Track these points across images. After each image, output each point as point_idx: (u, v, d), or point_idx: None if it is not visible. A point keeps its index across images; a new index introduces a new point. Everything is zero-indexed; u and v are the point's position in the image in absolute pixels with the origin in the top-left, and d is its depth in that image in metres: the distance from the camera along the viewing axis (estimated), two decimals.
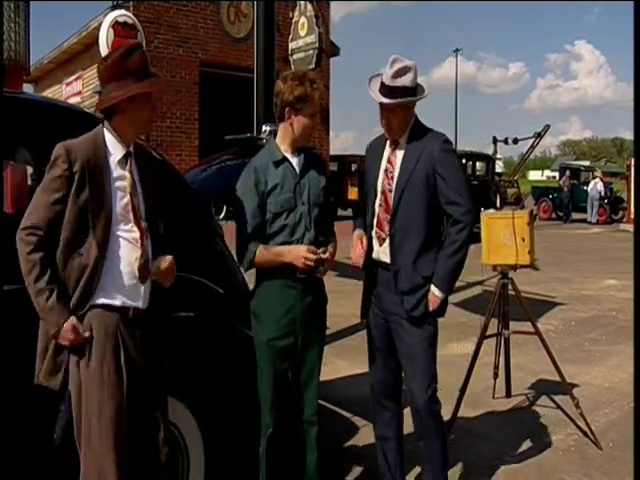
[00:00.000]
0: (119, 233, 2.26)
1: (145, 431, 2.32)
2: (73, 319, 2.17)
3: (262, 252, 2.75)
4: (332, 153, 20.10)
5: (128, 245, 2.27)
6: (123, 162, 2.32)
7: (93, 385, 2.18)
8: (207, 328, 2.82)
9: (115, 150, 2.31)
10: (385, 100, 2.82)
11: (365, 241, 2.92)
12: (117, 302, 2.26)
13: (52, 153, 2.21)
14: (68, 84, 18.49)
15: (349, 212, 21.54)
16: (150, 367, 2.33)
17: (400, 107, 2.84)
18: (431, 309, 2.84)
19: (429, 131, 2.92)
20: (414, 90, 2.84)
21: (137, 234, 2.29)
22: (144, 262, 2.28)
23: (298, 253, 2.71)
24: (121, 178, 2.30)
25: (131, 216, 2.29)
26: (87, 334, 2.18)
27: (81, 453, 2.22)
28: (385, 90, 2.82)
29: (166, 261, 2.32)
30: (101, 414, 2.17)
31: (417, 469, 3.35)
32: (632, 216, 18.97)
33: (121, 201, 2.28)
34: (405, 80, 2.80)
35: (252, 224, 2.77)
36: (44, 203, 2.18)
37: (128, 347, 2.26)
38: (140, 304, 2.31)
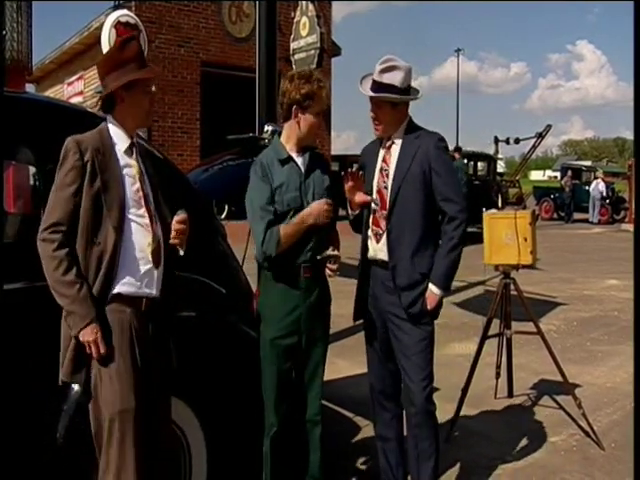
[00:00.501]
0: (131, 217, 2.29)
1: (149, 429, 2.32)
2: (97, 326, 2.18)
3: (285, 228, 2.72)
4: (333, 153, 20.10)
5: (140, 230, 2.30)
6: (129, 152, 2.36)
7: (111, 380, 2.19)
8: (209, 328, 2.82)
9: (120, 140, 2.35)
10: (369, 93, 2.86)
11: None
12: (132, 289, 2.28)
13: (62, 148, 2.23)
14: (69, 84, 18.50)
15: None
16: (158, 363, 2.35)
17: (386, 104, 2.86)
18: (429, 307, 2.84)
19: (424, 130, 2.95)
20: (405, 91, 2.86)
21: (147, 219, 2.32)
22: (156, 247, 2.31)
23: (318, 210, 2.73)
24: (128, 166, 2.34)
25: (142, 201, 2.32)
26: (102, 349, 2.19)
27: (101, 450, 2.23)
28: (373, 86, 2.85)
29: (180, 216, 2.34)
30: (122, 410, 2.19)
31: None
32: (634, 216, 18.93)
33: (131, 187, 2.31)
34: (393, 78, 2.81)
35: (268, 212, 2.74)
36: (62, 198, 2.20)
37: (142, 342, 2.28)
38: (154, 291, 2.33)
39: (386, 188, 2.91)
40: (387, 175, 2.92)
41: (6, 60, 3.42)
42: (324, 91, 2.80)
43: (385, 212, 2.90)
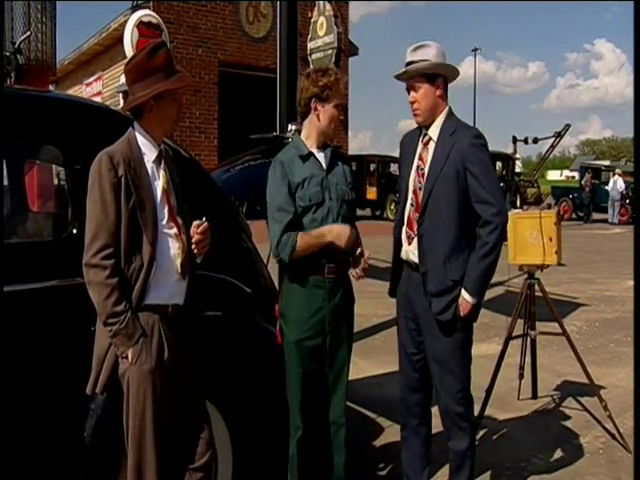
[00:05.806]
0: (163, 230, 2.28)
1: (186, 432, 2.34)
2: (141, 342, 2.20)
3: (302, 237, 2.68)
4: (350, 153, 20.10)
5: (170, 242, 2.30)
6: (157, 162, 2.34)
7: (139, 381, 2.19)
8: (235, 327, 2.80)
9: (148, 150, 2.33)
10: (399, 71, 2.76)
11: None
12: (160, 300, 2.27)
13: (94, 162, 2.21)
14: (88, 85, 18.66)
15: (367, 212, 21.56)
16: (189, 367, 2.35)
17: (422, 80, 2.74)
18: (462, 314, 2.70)
19: (461, 125, 2.79)
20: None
21: (175, 230, 2.32)
22: (185, 257, 2.31)
23: (339, 231, 2.70)
24: (157, 177, 2.32)
25: (171, 214, 2.32)
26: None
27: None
28: (406, 66, 2.76)
29: (201, 227, 2.33)
30: (145, 410, 2.20)
31: (443, 472, 3.32)
32: None
33: (161, 200, 2.30)
34: (425, 53, 2.72)
35: (286, 214, 2.70)
36: (105, 219, 2.17)
37: (170, 346, 2.27)
38: (181, 301, 2.33)
39: (421, 189, 2.78)
40: (423, 175, 2.78)
41: (31, 60, 3.45)
42: (341, 83, 2.79)
43: (418, 215, 2.76)
